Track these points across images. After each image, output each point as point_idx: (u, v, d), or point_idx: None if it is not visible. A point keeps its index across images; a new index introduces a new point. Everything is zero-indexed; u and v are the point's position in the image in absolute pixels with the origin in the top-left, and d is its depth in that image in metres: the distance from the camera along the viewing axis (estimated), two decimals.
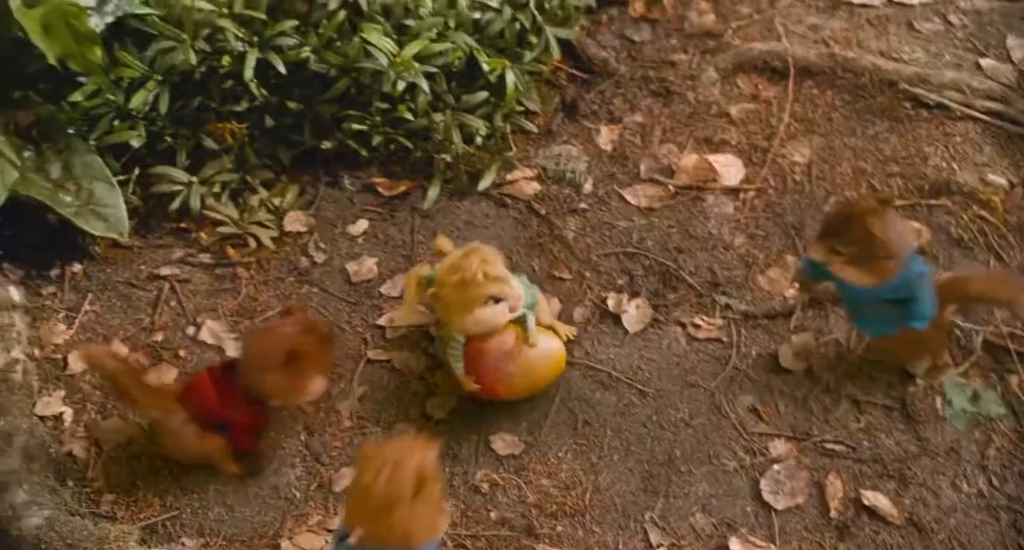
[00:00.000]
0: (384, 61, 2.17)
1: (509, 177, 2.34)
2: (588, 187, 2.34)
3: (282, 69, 2.18)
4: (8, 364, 1.97)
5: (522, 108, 2.40)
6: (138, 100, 2.16)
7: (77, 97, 2.16)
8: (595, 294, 2.18)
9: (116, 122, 2.19)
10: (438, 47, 2.22)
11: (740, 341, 2.08)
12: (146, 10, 2.18)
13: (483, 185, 2.32)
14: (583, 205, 2.31)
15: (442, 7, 2.26)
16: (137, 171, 2.22)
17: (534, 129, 2.40)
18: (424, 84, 2.20)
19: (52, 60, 2.01)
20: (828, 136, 2.37)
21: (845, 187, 2.28)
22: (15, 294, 2.07)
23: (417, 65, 2.19)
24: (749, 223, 2.25)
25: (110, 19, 2.16)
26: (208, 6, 2.18)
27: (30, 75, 2.16)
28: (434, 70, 2.23)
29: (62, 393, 2.01)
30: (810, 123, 2.39)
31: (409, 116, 2.25)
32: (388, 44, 2.17)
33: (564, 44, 2.47)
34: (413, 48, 2.18)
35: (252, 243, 2.21)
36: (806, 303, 2.11)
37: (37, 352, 2.05)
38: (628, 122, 2.44)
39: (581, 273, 2.21)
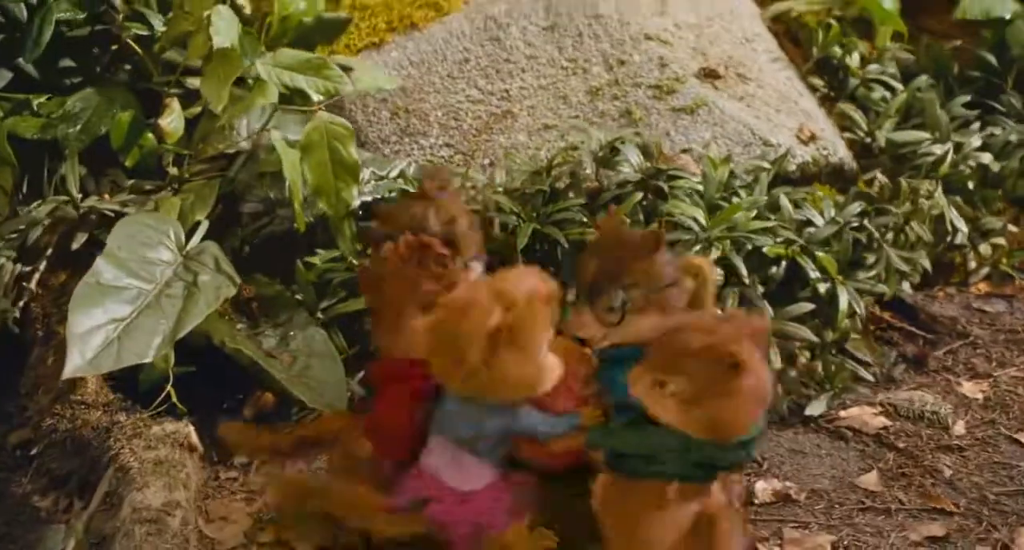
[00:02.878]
0: (693, 227, 1.73)
1: (843, 414, 1.72)
2: (960, 429, 1.69)
3: (564, 243, 1.77)
4: (166, 504, 1.36)
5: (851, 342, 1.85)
6: None
7: (315, 261, 1.79)
8: (1003, 534, 1.43)
9: (350, 294, 1.78)
10: (756, 225, 1.77)
11: None
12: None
13: (811, 411, 1.71)
14: (958, 443, 1.65)
15: (761, 205, 1.86)
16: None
17: (869, 377, 1.82)
18: (739, 262, 1.73)
19: (296, 194, 1.69)
20: None
21: None
22: (193, 435, 1.52)
23: (729, 243, 1.74)
24: None
25: (368, 198, 1.88)
26: (482, 178, 1.87)
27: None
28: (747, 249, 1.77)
29: None
30: None
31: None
32: (698, 213, 1.75)
33: (895, 303, 1.99)
34: (728, 214, 1.74)
35: None
36: None
37: (201, 522, 1.44)
38: (1001, 376, 1.83)
39: (974, 510, 1.48)
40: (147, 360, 1.45)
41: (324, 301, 1.76)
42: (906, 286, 2.04)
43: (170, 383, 1.58)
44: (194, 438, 1.51)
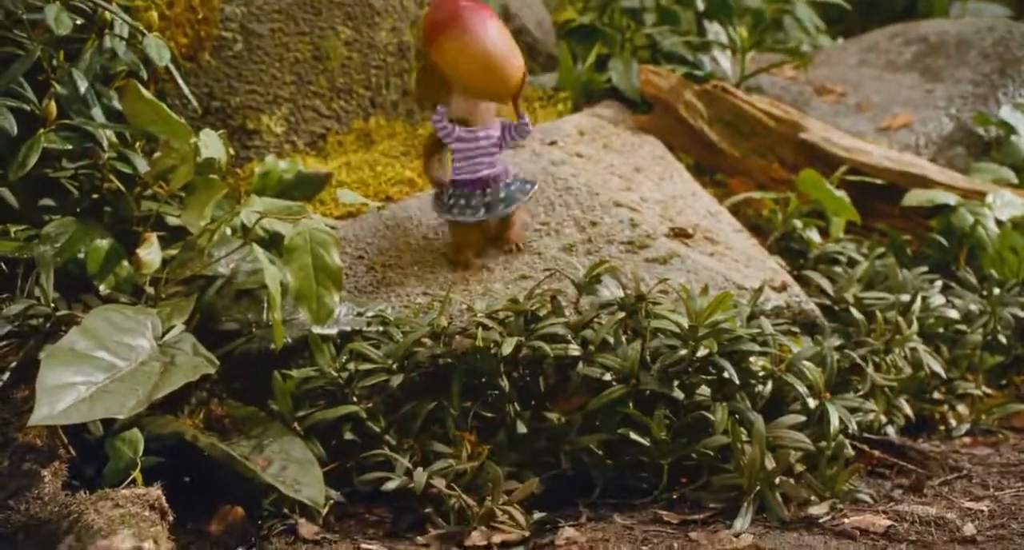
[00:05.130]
0: (677, 329, 1.72)
1: (847, 521, 1.63)
2: (970, 529, 1.60)
3: (550, 355, 1.74)
4: None
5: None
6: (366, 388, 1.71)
7: (293, 374, 1.73)
8: None
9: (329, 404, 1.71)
10: (742, 331, 1.76)
11: None
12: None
13: (814, 511, 1.62)
14: (972, 536, 1.56)
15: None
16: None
17: (867, 498, 1.75)
18: (727, 365, 1.70)
19: (275, 290, 1.67)
20: None
21: None
22: (163, 499, 1.39)
23: (715, 345, 1.73)
24: None
25: (346, 328, 1.86)
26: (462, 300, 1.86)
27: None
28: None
29: None
30: None
31: (709, 416, 1.69)
32: (682, 320, 1.75)
33: (883, 443, 1.95)
34: (713, 309, 1.74)
35: None
36: None
37: None
38: (1003, 496, 1.76)
39: None
40: (120, 416, 1.36)
41: (301, 411, 1.69)
42: (891, 431, 2.02)
43: (137, 469, 1.47)
44: (164, 502, 1.38)
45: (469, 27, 1.95)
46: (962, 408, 2.19)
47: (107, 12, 1.88)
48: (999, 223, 2.42)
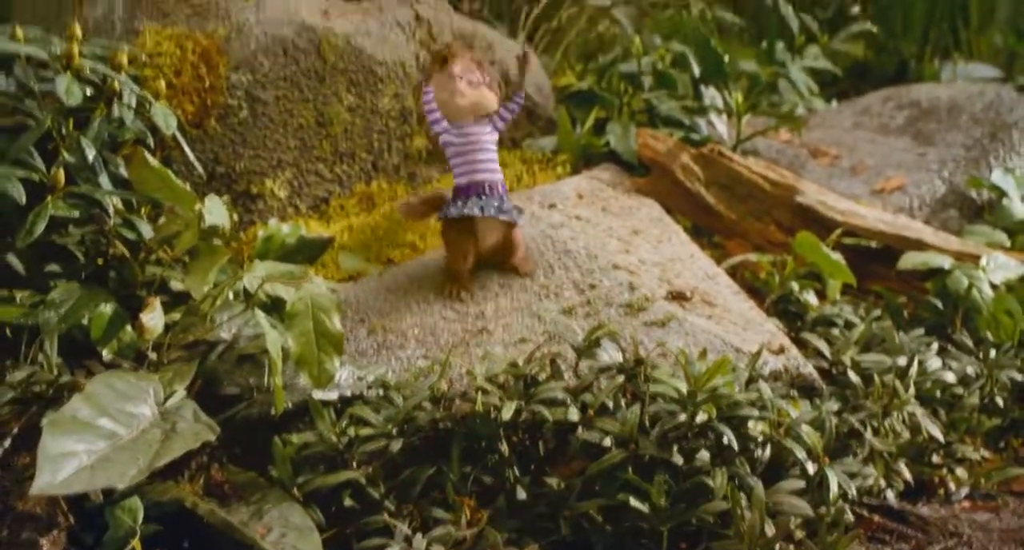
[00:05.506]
0: (676, 394, 1.73)
1: None
2: None
3: (549, 419, 1.75)
4: None
5: None
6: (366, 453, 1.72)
7: (293, 439, 1.74)
8: None
9: (329, 469, 1.71)
10: (741, 396, 1.77)
11: None
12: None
13: None
14: None
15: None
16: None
17: None
18: (727, 430, 1.71)
19: (276, 355, 1.68)
20: None
21: None
22: None
23: (714, 410, 1.74)
24: None
25: (347, 393, 1.87)
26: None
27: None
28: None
29: None
30: None
31: (708, 481, 1.70)
32: (681, 385, 1.76)
33: (882, 508, 1.96)
34: (712, 374, 1.75)
35: None
36: None
37: None
38: None
39: None
40: (121, 486, 1.37)
41: (301, 477, 1.70)
42: (891, 495, 2.02)
43: (136, 537, 1.47)
44: None
45: None
46: (961, 472, 2.19)
47: (116, 82, 1.92)
48: (993, 286, 2.45)
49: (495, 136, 2.20)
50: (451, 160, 2.18)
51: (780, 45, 3.47)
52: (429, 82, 2.18)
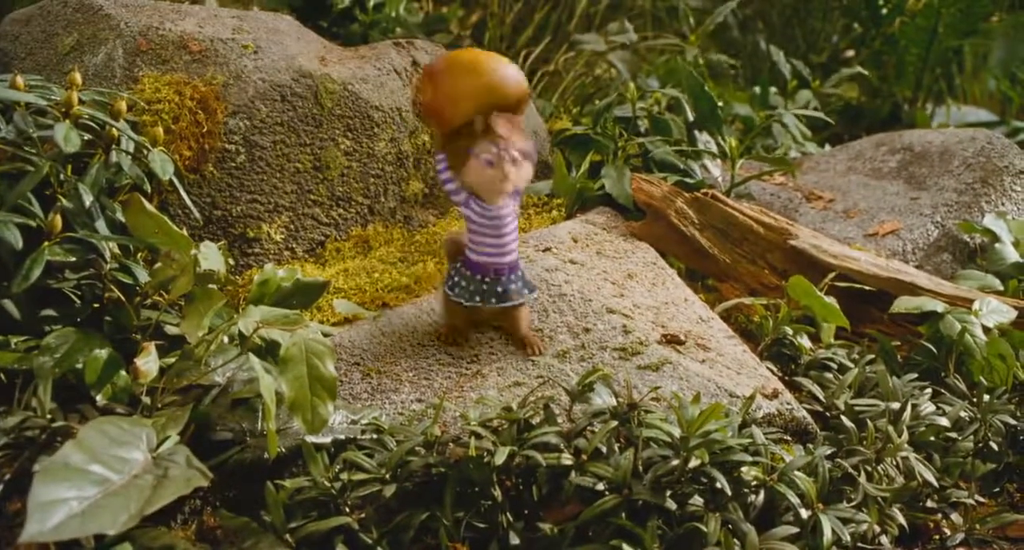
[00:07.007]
0: (669, 438, 1.73)
1: None
2: None
3: (542, 463, 1.75)
4: None
5: None
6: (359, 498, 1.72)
7: (286, 484, 1.74)
8: None
9: (321, 515, 1.71)
10: (734, 441, 1.78)
11: None
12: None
13: None
14: None
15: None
16: None
17: None
18: (719, 475, 1.71)
19: (270, 400, 1.69)
20: None
21: None
22: None
23: (707, 455, 1.74)
24: None
25: (340, 437, 1.88)
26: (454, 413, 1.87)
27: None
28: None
29: None
30: None
31: (701, 527, 1.69)
32: (674, 430, 1.76)
33: None
34: (705, 418, 1.75)
35: None
36: None
37: None
38: None
39: None
40: (111, 532, 1.37)
41: (293, 522, 1.69)
42: (885, 541, 2.02)
43: None
44: None
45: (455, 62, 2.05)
46: (956, 517, 2.19)
47: (114, 129, 1.94)
48: (986, 330, 2.45)
49: (518, 202, 2.09)
50: (471, 234, 2.05)
51: (773, 90, 3.50)
52: (448, 149, 2.01)
